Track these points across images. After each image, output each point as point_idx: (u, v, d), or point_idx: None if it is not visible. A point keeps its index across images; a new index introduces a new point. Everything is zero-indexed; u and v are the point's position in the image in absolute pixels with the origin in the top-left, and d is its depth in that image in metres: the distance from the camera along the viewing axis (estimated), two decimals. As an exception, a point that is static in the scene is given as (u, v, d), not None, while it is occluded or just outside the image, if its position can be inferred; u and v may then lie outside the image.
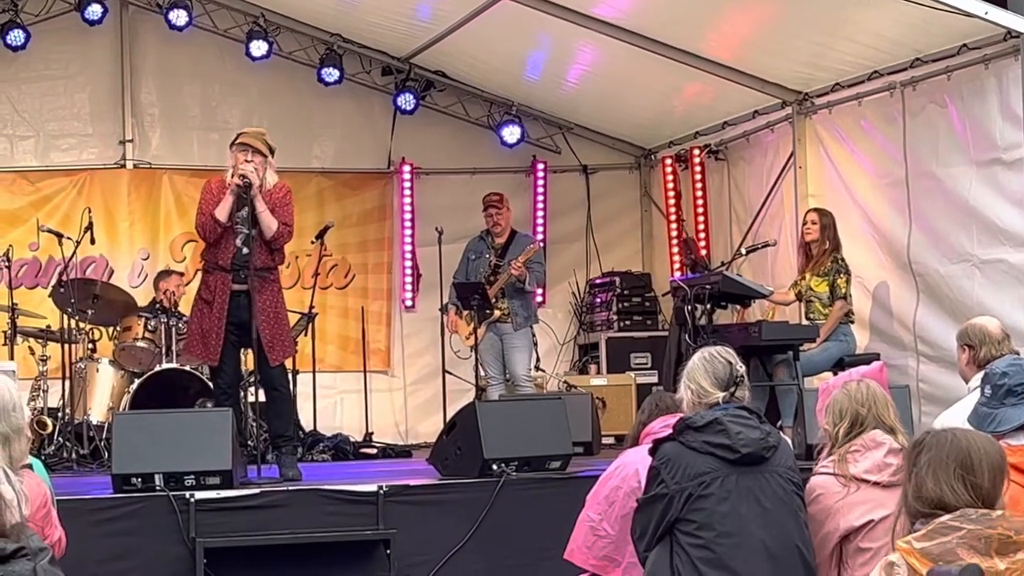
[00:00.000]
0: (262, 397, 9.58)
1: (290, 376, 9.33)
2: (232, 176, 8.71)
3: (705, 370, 5.29)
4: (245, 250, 8.68)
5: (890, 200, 10.44)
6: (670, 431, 5.30)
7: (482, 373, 11.59)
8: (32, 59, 12.75)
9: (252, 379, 9.78)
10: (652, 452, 5.13)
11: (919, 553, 3.54)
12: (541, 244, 12.57)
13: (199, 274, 12.54)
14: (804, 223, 10.47)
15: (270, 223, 8.66)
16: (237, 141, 8.93)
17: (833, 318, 10.07)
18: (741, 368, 5.32)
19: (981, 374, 5.50)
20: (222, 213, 8.68)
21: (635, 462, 5.68)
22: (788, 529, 5.02)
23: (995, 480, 3.71)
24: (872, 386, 5.32)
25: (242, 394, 8.98)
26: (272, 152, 8.88)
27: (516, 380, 11.46)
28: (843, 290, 10.11)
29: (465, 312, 11.57)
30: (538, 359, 12.84)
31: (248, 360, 9.37)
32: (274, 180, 8.86)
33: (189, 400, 10.70)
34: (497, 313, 11.46)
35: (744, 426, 5.06)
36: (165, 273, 11.97)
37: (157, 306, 11.45)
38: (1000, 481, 3.72)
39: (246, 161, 8.70)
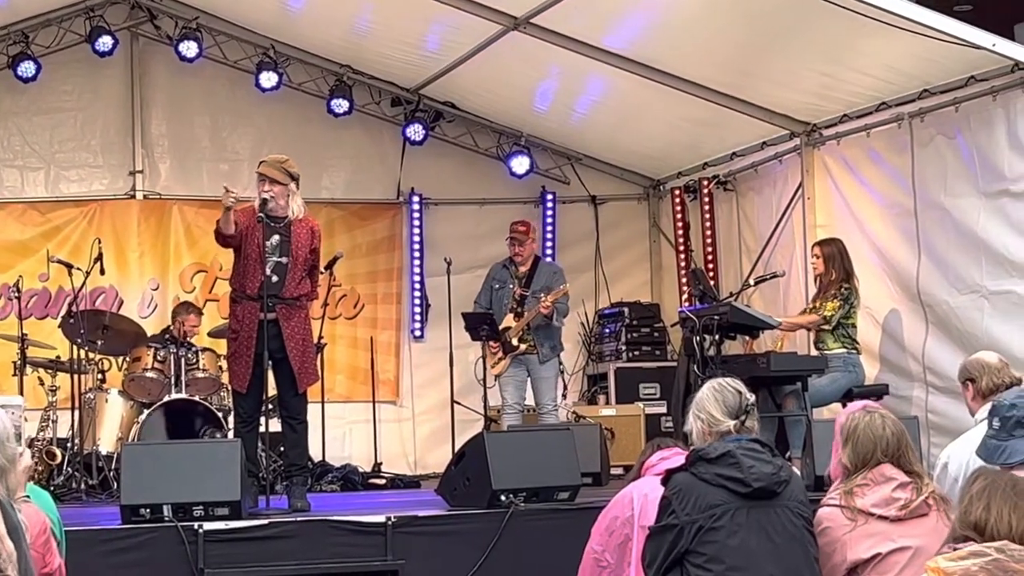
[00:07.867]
0: (272, 427, 9.56)
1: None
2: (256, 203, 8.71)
3: (715, 399, 5.27)
4: (275, 278, 8.67)
5: (899, 231, 10.44)
6: (667, 463, 5.28)
7: (498, 401, 11.53)
8: (43, 91, 12.81)
9: (268, 408, 9.74)
10: (664, 482, 5.12)
11: (943, 572, 3.56)
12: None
13: (206, 305, 12.74)
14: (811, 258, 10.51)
15: None
16: (256, 170, 8.91)
17: (801, 321, 10.27)
18: (750, 397, 5.31)
19: (988, 405, 5.49)
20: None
21: (632, 489, 5.73)
22: (798, 564, 4.98)
23: None
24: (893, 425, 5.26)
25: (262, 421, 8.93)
26: (295, 179, 8.79)
27: (540, 408, 11.40)
28: (829, 314, 10.08)
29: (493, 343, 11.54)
30: (565, 387, 12.79)
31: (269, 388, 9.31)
32: (300, 209, 8.80)
33: (198, 430, 10.70)
34: (523, 347, 11.43)
35: (756, 460, 5.04)
36: (186, 306, 11.91)
37: (167, 336, 11.47)
38: None
39: (263, 191, 8.67)
